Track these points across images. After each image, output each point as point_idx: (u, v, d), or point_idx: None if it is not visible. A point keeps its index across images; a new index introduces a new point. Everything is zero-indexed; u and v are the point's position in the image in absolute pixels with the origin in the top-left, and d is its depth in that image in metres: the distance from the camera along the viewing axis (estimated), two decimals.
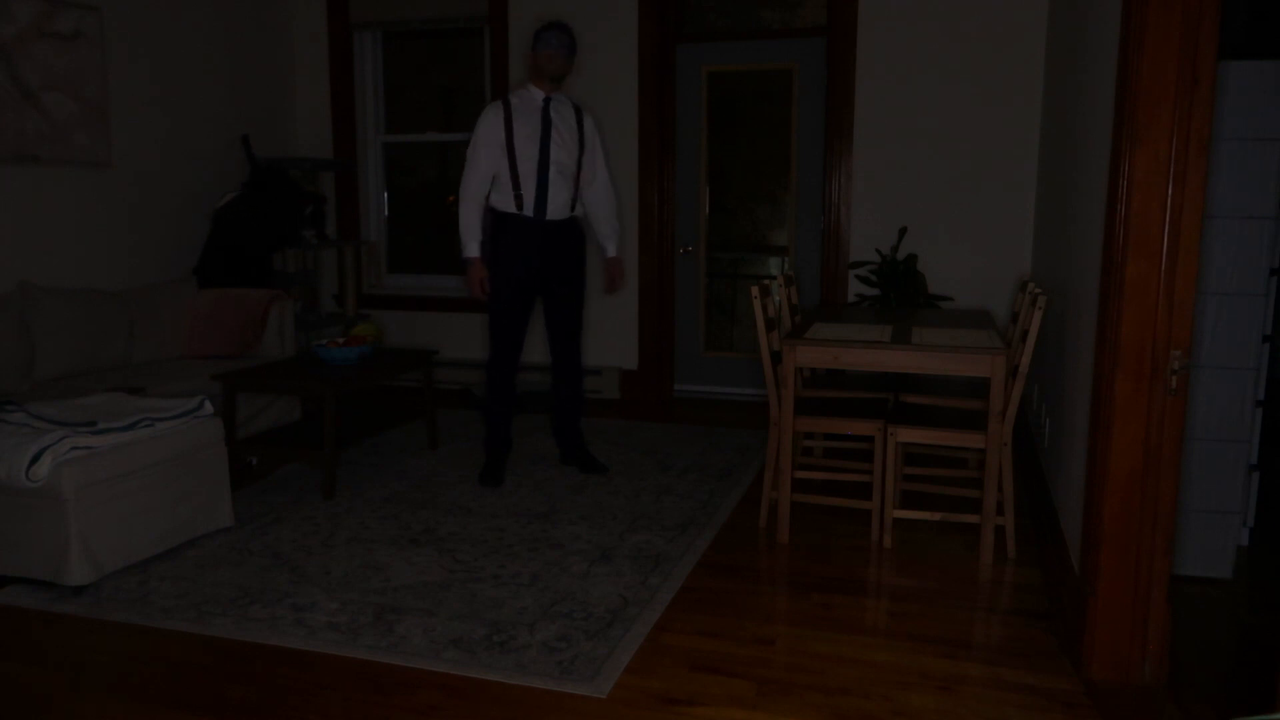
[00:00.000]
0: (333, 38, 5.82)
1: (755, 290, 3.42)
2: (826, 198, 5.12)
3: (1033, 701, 2.35)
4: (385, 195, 6.11)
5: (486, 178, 3.88)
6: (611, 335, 5.55)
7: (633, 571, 3.12)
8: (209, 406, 3.45)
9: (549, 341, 4.10)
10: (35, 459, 2.89)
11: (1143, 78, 2.25)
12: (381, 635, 2.68)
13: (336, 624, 2.75)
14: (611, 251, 4.14)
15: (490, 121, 3.85)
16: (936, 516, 3.38)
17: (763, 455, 4.43)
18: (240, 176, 5.42)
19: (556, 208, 3.88)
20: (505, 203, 3.89)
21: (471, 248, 3.91)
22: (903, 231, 4.98)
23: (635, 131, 5.34)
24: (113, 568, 3.06)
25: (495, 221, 3.93)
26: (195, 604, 2.89)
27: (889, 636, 2.70)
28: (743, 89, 5.43)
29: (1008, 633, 2.72)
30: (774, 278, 4.82)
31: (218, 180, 5.29)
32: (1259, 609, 2.91)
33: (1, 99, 4.12)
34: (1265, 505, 3.59)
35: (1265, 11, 4.16)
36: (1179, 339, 2.30)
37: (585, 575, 3.09)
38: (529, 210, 3.85)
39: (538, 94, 3.87)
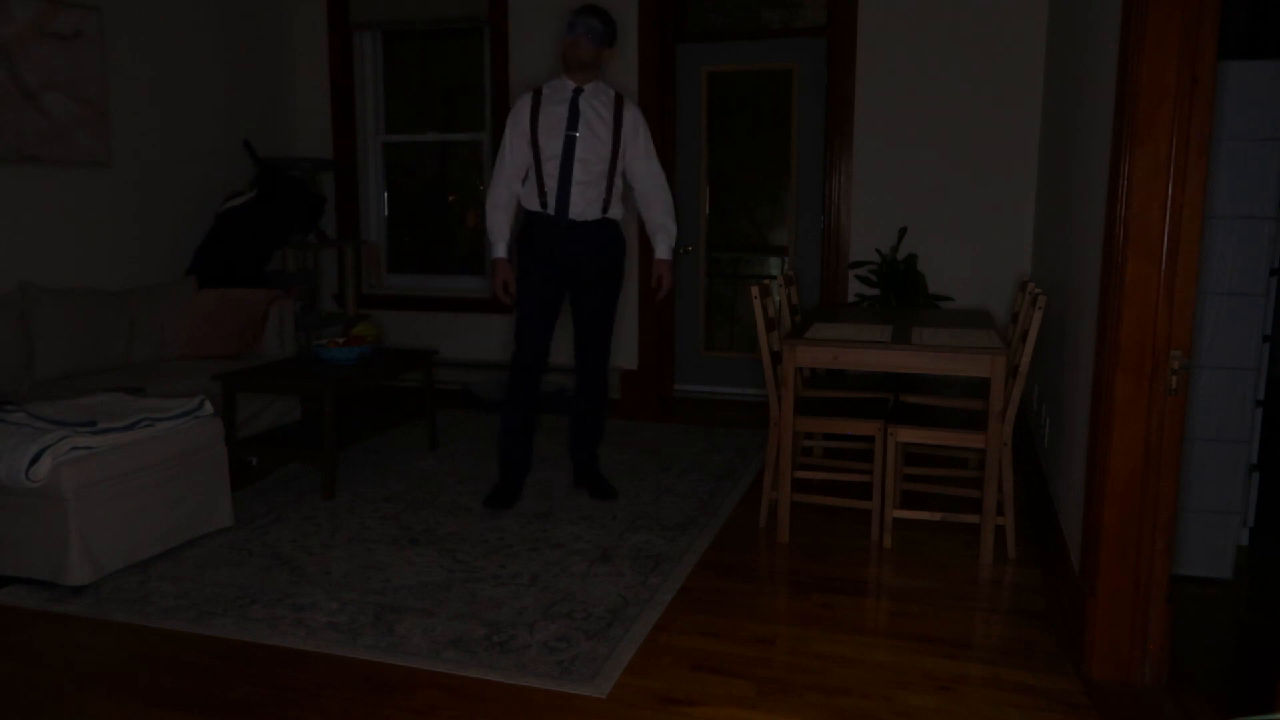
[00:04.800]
0: (333, 38, 5.82)
1: (755, 290, 3.42)
2: (826, 198, 5.12)
3: (1033, 701, 2.35)
4: (385, 195, 6.11)
5: (514, 173, 3.61)
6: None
7: (633, 571, 3.12)
8: (209, 406, 3.45)
9: (574, 350, 3.79)
10: (35, 459, 2.89)
11: (1143, 78, 2.25)
12: (381, 635, 2.68)
13: (336, 624, 2.75)
14: (661, 254, 3.73)
15: (517, 113, 3.59)
16: (936, 516, 3.38)
17: (763, 455, 4.43)
18: (244, 176, 5.42)
19: (581, 208, 3.56)
20: (531, 200, 3.62)
21: (498, 248, 3.66)
22: (903, 231, 4.98)
23: None
24: (113, 568, 3.06)
25: (523, 221, 3.68)
26: (195, 604, 2.89)
27: (889, 636, 2.70)
28: (743, 89, 5.43)
29: (1008, 633, 2.72)
30: (774, 278, 4.82)
31: (218, 180, 5.29)
32: (1259, 609, 2.91)
33: (1, 99, 4.12)
34: (1265, 505, 3.59)
35: (1265, 11, 4.16)
36: (1179, 339, 2.30)
37: (585, 575, 3.09)
38: (552, 210, 3.57)
39: (568, 84, 3.57)
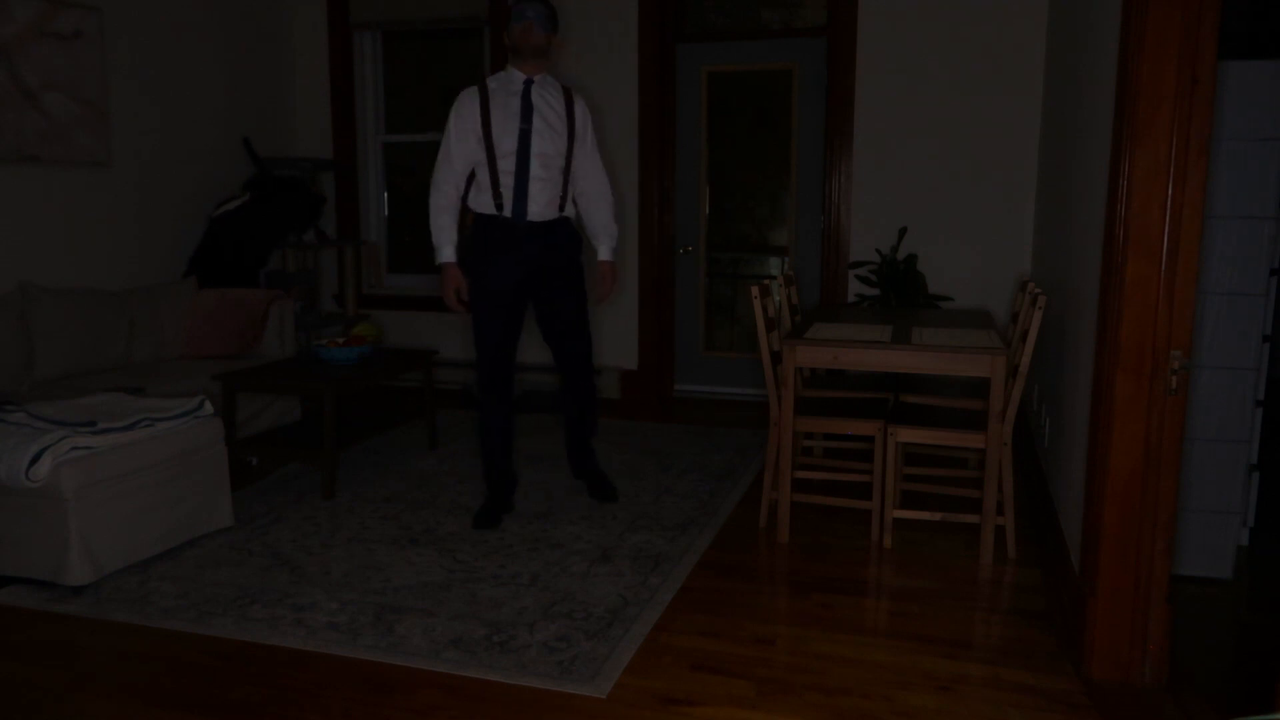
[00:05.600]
0: (333, 38, 5.82)
1: (755, 290, 3.41)
2: (826, 198, 5.12)
3: (1033, 701, 2.35)
4: (385, 195, 6.12)
5: (460, 173, 3.44)
6: (611, 335, 5.55)
7: (633, 571, 3.12)
8: (209, 406, 3.45)
9: (553, 355, 3.69)
10: (35, 459, 2.89)
11: (1143, 78, 2.25)
12: (381, 635, 2.68)
13: (336, 624, 2.75)
14: (605, 255, 3.65)
15: (464, 108, 3.40)
16: (937, 516, 3.38)
17: (763, 455, 4.43)
18: (242, 177, 5.42)
19: (540, 207, 3.41)
20: (484, 204, 3.44)
21: (445, 251, 3.46)
22: (903, 231, 4.98)
23: (635, 132, 5.34)
24: (113, 568, 3.06)
25: (474, 226, 3.50)
26: (195, 604, 2.89)
27: (889, 636, 2.70)
28: (743, 89, 5.43)
29: (1008, 633, 2.72)
30: (774, 278, 4.82)
31: (218, 180, 5.29)
32: (1259, 609, 2.91)
33: (1, 99, 4.12)
34: (1265, 505, 3.59)
35: (1265, 11, 4.17)
36: (1179, 339, 2.30)
37: (585, 575, 3.09)
38: (509, 211, 3.40)
39: (518, 76, 3.40)
